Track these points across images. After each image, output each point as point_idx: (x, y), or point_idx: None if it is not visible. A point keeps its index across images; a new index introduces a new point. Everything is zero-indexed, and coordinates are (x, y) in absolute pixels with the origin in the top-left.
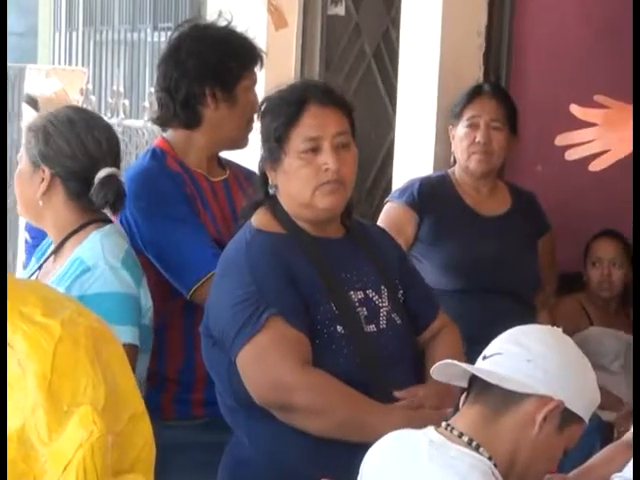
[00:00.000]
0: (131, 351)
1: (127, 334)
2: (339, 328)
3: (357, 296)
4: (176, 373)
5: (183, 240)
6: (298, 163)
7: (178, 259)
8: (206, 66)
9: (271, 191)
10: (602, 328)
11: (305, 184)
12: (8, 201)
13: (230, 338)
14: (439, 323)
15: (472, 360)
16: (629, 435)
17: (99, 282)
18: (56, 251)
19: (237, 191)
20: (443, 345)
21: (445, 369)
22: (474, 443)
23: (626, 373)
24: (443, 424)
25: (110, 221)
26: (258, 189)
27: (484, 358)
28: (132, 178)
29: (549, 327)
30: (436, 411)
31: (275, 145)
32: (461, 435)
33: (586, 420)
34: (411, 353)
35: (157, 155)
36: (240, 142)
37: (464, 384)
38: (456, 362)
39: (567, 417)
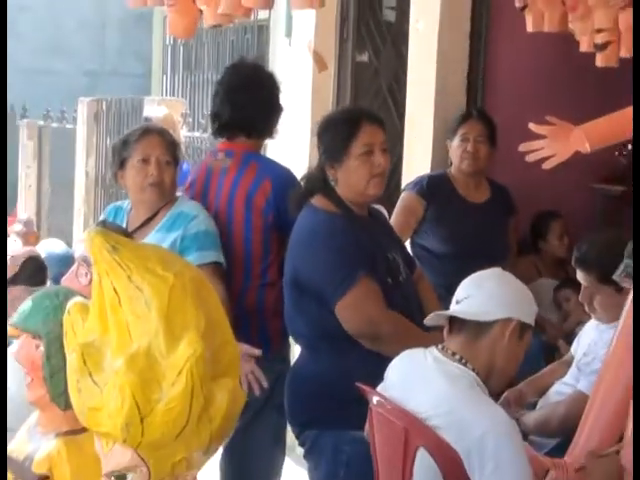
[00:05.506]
0: (221, 270)
1: (221, 258)
2: (389, 280)
3: (392, 255)
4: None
5: None
6: (357, 163)
7: None
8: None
9: (332, 184)
10: (548, 279)
11: (362, 177)
12: None
13: (329, 291)
14: (419, 271)
15: (449, 301)
16: (568, 355)
17: (205, 223)
18: (152, 218)
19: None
20: (426, 289)
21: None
22: (463, 360)
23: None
24: (439, 346)
25: None
26: (313, 182)
27: (457, 302)
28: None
29: (496, 270)
30: None
31: (340, 151)
32: (454, 354)
33: (532, 323)
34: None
35: None
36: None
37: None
38: (441, 312)
39: (523, 327)
